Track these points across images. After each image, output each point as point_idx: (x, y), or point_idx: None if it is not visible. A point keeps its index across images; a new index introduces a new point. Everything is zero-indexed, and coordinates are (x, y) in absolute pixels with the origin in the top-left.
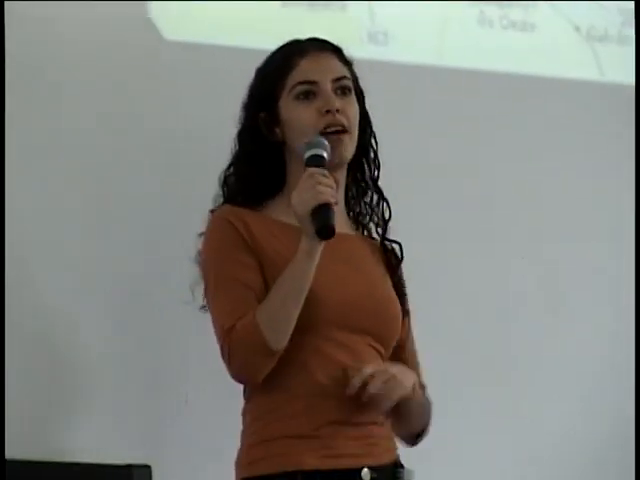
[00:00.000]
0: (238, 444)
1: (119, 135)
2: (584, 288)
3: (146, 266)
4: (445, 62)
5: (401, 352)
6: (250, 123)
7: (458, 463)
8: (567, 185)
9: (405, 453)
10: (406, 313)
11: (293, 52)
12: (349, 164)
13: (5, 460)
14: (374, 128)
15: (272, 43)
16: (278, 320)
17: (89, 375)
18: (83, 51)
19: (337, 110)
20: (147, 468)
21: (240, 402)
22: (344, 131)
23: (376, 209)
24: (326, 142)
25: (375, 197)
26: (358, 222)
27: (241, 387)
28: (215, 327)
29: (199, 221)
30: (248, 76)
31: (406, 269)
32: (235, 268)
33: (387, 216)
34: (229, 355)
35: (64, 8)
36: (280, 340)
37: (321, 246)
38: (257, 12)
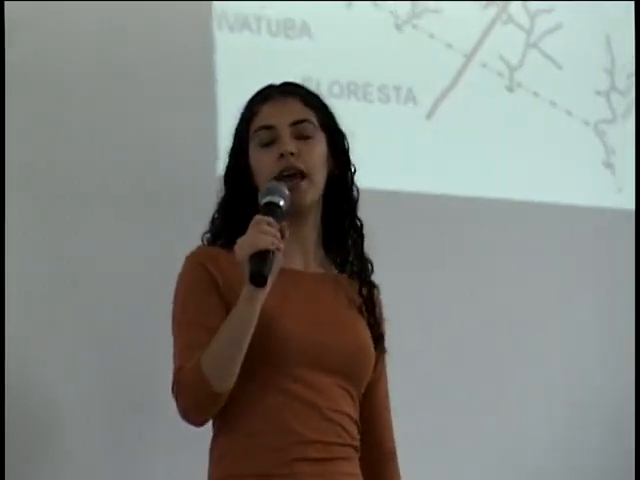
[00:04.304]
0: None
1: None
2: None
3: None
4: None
5: (373, 392)
6: (231, 168)
7: (447, 463)
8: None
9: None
10: (381, 353)
11: (258, 99)
12: (328, 202)
13: None
14: None
15: None
16: (221, 364)
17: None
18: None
19: (291, 154)
20: None
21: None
22: (301, 176)
23: (355, 248)
24: (284, 189)
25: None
26: (339, 260)
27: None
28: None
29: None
30: None
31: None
32: (200, 311)
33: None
34: (176, 395)
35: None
36: (223, 383)
37: (261, 293)
38: None
